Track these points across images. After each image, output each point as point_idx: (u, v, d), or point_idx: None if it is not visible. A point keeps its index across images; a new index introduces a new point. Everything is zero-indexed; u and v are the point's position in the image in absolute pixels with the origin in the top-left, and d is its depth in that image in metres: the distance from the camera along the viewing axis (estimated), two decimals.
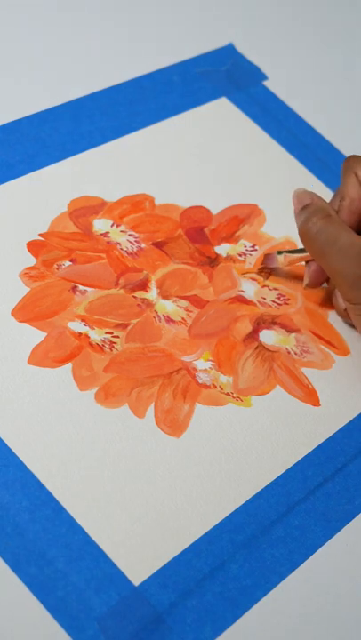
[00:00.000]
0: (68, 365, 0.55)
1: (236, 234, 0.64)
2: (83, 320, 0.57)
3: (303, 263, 0.61)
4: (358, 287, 0.55)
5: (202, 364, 0.57)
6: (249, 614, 0.49)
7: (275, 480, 0.54)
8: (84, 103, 0.68)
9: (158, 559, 0.49)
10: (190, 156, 0.67)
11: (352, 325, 0.61)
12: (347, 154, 0.71)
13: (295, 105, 0.73)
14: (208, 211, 0.65)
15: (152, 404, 0.54)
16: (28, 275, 0.58)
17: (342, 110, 0.76)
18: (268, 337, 0.59)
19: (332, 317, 0.62)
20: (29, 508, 0.49)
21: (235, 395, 0.56)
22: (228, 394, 0.56)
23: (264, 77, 0.74)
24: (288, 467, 0.54)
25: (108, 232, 0.61)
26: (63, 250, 0.59)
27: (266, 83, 0.74)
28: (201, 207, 0.65)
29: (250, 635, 0.49)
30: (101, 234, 0.61)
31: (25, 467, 0.50)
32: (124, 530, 0.50)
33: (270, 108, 0.72)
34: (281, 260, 0.61)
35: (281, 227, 0.65)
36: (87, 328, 0.56)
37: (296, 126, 0.72)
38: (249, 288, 0.61)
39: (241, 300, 0.61)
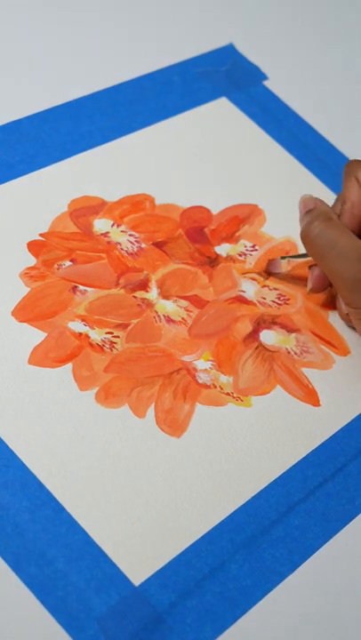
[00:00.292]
0: (69, 365, 0.55)
1: (237, 234, 0.64)
2: (83, 320, 0.57)
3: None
4: (358, 291, 0.55)
5: (202, 364, 0.57)
6: (249, 614, 0.49)
7: (275, 480, 0.54)
8: (84, 103, 0.68)
9: (158, 559, 0.49)
10: (190, 155, 0.68)
11: (354, 329, 0.60)
12: (347, 154, 0.71)
13: (295, 105, 0.73)
14: (208, 211, 0.65)
15: (152, 404, 0.54)
16: (29, 275, 0.58)
17: (342, 110, 0.76)
18: (269, 337, 0.59)
19: (333, 317, 0.62)
20: (29, 508, 0.49)
21: (235, 395, 0.56)
22: (228, 394, 0.56)
23: (264, 77, 0.75)
24: (288, 467, 0.54)
25: (108, 232, 0.61)
26: (63, 250, 0.59)
27: (266, 83, 0.74)
28: (201, 207, 0.65)
29: (250, 635, 0.49)
30: (102, 234, 0.61)
31: (25, 467, 0.50)
32: (125, 530, 0.50)
33: (270, 107, 0.73)
34: (285, 266, 0.61)
35: (281, 227, 0.65)
36: (87, 328, 0.56)
37: (296, 126, 0.72)
38: (249, 288, 0.61)
39: (241, 300, 0.61)
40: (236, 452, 0.54)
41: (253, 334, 0.59)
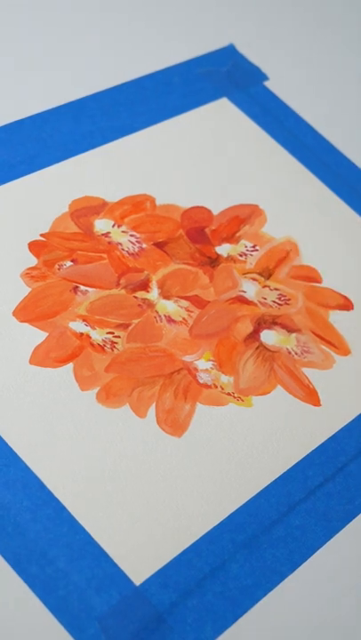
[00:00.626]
0: (70, 365, 0.55)
1: (237, 234, 0.64)
2: (84, 320, 0.57)
3: None
4: None
5: (203, 364, 0.57)
6: (249, 614, 0.49)
7: (275, 480, 0.54)
8: (85, 104, 0.68)
9: (159, 559, 0.50)
10: (191, 156, 0.68)
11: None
12: (347, 154, 0.71)
13: (295, 105, 0.73)
14: (209, 211, 0.65)
15: (153, 404, 0.54)
16: (30, 275, 0.58)
17: (343, 110, 0.76)
18: (269, 337, 0.59)
19: (333, 317, 0.62)
20: (30, 508, 0.49)
21: (236, 395, 0.56)
22: (228, 394, 0.56)
23: (265, 78, 0.75)
24: (289, 467, 0.54)
25: (109, 232, 0.61)
26: (64, 250, 0.59)
27: (266, 83, 0.74)
28: (202, 207, 0.65)
29: (250, 634, 0.49)
30: (102, 234, 0.61)
31: (26, 466, 0.50)
32: (125, 529, 0.50)
33: (271, 108, 0.73)
34: None
35: (282, 227, 0.65)
36: (88, 328, 0.56)
37: (296, 126, 0.72)
38: (250, 288, 0.62)
39: (242, 300, 0.61)
40: (236, 451, 0.54)
41: (254, 334, 0.59)
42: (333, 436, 0.56)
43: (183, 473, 0.53)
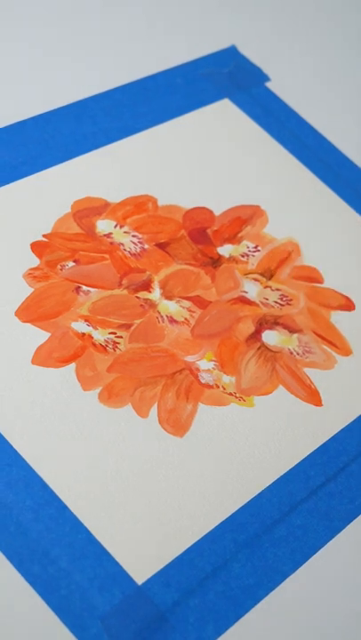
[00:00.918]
0: (72, 365, 0.55)
1: (239, 235, 0.64)
2: (86, 320, 0.57)
3: None
4: None
5: (205, 364, 0.57)
6: (251, 613, 0.49)
7: (277, 480, 0.54)
8: (87, 104, 0.68)
9: (161, 558, 0.50)
10: (193, 157, 0.68)
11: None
12: (348, 155, 0.71)
13: (297, 106, 0.74)
14: (211, 212, 0.65)
15: (155, 404, 0.55)
16: (32, 275, 0.58)
17: (344, 111, 0.76)
18: (271, 337, 0.60)
19: (335, 318, 0.62)
20: (33, 508, 0.49)
21: (237, 395, 0.56)
22: (230, 394, 0.56)
23: (266, 79, 0.75)
24: (290, 466, 0.55)
25: (111, 233, 0.61)
26: (66, 250, 0.60)
27: (268, 84, 0.74)
28: (204, 208, 0.65)
29: (252, 634, 0.49)
30: (105, 235, 0.61)
31: (28, 466, 0.51)
32: (127, 529, 0.50)
33: (272, 109, 0.73)
34: None
35: (283, 228, 0.65)
36: (90, 328, 0.57)
37: (298, 127, 0.72)
38: (251, 289, 0.62)
39: (244, 300, 0.61)
40: (238, 451, 0.54)
41: (256, 335, 0.59)
42: (335, 435, 0.57)
43: (185, 473, 0.53)
